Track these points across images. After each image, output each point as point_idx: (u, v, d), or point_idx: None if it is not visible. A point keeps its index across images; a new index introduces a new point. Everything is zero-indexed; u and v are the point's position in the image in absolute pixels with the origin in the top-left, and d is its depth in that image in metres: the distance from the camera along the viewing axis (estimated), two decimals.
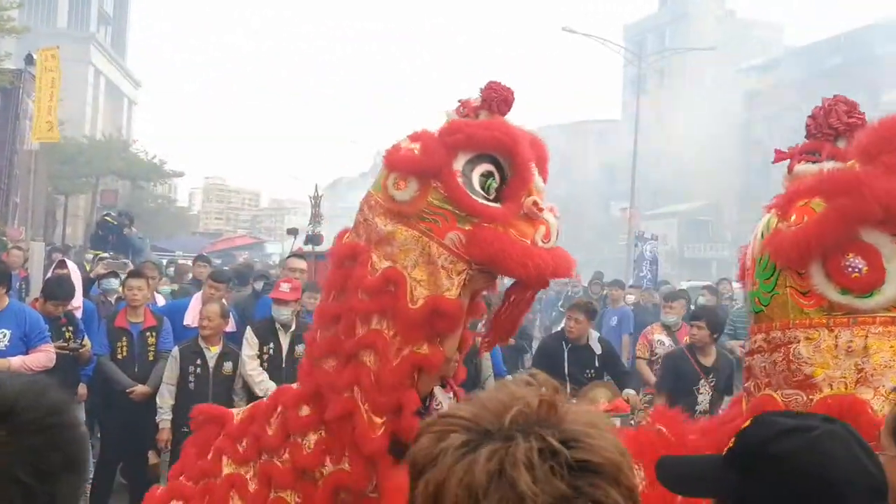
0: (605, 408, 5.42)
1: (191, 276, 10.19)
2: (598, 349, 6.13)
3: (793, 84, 38.28)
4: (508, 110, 2.98)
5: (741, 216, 42.51)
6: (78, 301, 6.48)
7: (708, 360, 5.52)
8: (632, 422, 9.00)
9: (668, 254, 41.52)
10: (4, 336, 5.12)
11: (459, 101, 3.04)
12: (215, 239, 32.94)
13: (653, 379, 6.53)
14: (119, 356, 5.83)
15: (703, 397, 5.52)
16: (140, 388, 5.74)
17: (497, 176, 2.78)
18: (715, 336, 5.64)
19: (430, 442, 0.90)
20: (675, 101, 48.91)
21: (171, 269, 13.15)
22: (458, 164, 2.72)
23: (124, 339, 5.88)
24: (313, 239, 8.06)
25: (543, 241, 2.73)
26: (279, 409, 2.94)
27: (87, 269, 12.83)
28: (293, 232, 9.06)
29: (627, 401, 5.70)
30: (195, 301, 6.62)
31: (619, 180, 48.26)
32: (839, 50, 36.98)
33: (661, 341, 7.03)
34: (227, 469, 2.97)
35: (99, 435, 6.24)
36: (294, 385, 3.06)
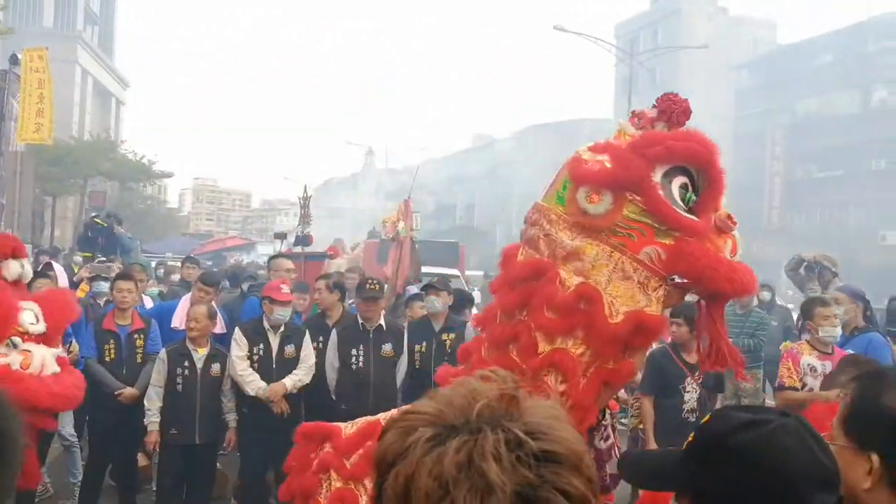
0: None
1: (179, 277, 10.10)
2: None
3: (784, 81, 38.41)
4: (688, 120, 2.90)
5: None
6: None
7: (693, 358, 5.35)
8: (623, 420, 9.01)
9: None
10: None
11: (633, 112, 2.97)
12: (205, 240, 32.83)
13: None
14: (107, 359, 5.76)
15: (690, 395, 5.44)
16: (128, 391, 5.68)
17: (690, 189, 2.71)
18: (695, 332, 5.60)
19: (398, 437, 0.93)
20: None
21: (161, 271, 13.04)
22: (657, 176, 2.63)
23: (112, 341, 5.80)
24: (302, 240, 7.99)
25: (731, 256, 2.67)
26: None
27: (75, 271, 12.72)
28: (280, 236, 9.01)
29: (617, 399, 5.68)
30: (183, 303, 6.54)
31: None
32: (830, 48, 37.13)
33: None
34: (335, 484, 2.96)
35: (87, 437, 6.16)
36: None
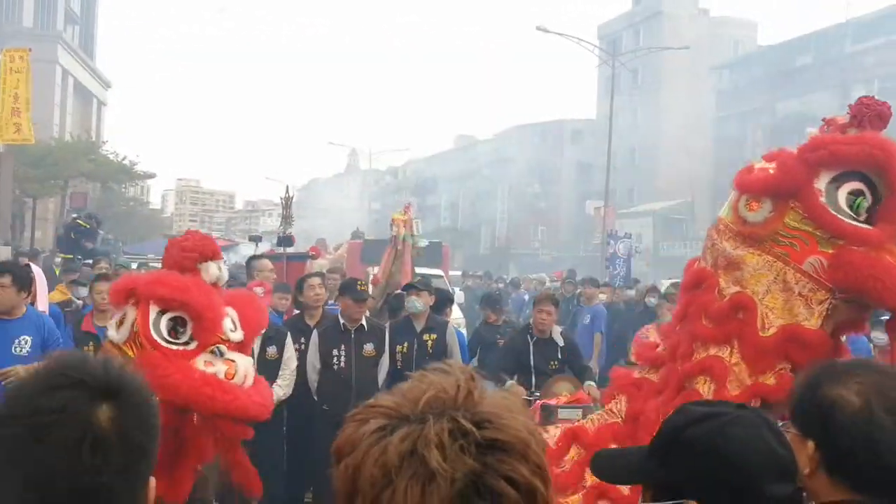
0: (568, 399, 5.71)
1: None
2: (560, 342, 6.32)
3: (764, 82, 38.71)
4: (884, 126, 2.74)
5: (715, 214, 42.91)
6: (43, 305, 6.33)
7: None
8: (595, 412, 9.08)
9: (642, 252, 41.81)
10: (27, 343, 5.03)
11: (824, 120, 2.85)
12: None
13: None
14: None
15: None
16: None
17: (869, 195, 2.56)
18: None
19: (352, 429, 0.95)
20: (650, 100, 49.30)
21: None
22: (821, 182, 2.53)
23: (91, 343, 5.74)
24: (284, 240, 7.96)
25: None
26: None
27: (56, 273, 12.62)
28: (256, 238, 8.96)
29: (588, 393, 5.93)
30: None
31: (594, 179, 48.55)
32: (810, 49, 37.45)
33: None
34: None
35: None
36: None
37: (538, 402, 5.77)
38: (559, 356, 6.26)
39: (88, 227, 15.79)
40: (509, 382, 6.09)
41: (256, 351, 5.58)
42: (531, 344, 6.24)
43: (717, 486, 1.32)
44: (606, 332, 10.44)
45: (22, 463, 1.08)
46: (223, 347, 3.13)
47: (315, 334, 5.94)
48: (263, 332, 5.59)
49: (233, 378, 3.09)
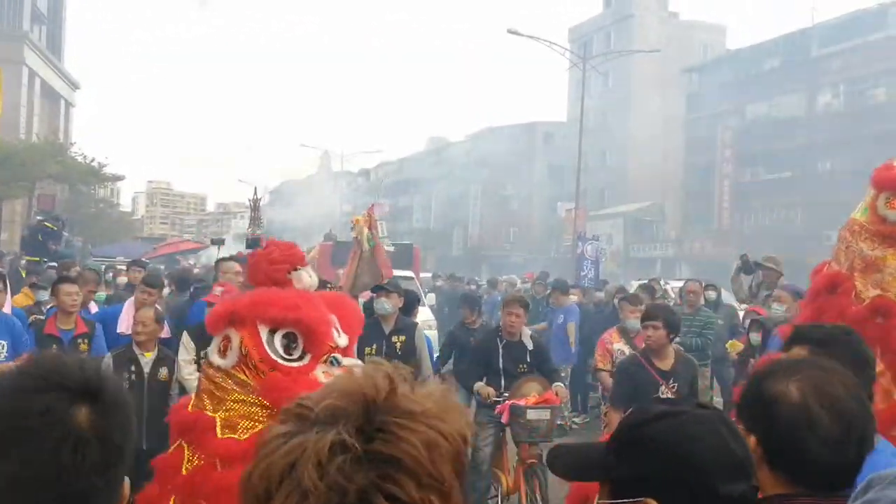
0: (536, 400, 5.76)
1: (126, 281, 9.93)
2: (529, 345, 6.23)
3: (733, 85, 39.20)
4: None
5: (684, 216, 43.44)
6: (7, 308, 6.25)
7: (666, 364, 5.11)
8: (565, 413, 9.10)
9: (613, 254, 42.10)
10: (3, 347, 4.96)
11: None
12: (158, 244, 32.30)
13: None
14: None
15: None
16: None
17: None
18: (672, 336, 5.22)
19: (267, 429, 0.92)
20: (620, 103, 49.69)
21: (110, 275, 12.84)
22: None
23: (54, 346, 5.68)
24: (253, 243, 7.90)
25: None
26: None
27: (23, 275, 12.44)
28: (218, 241, 8.86)
29: (557, 394, 5.98)
30: (128, 307, 6.43)
31: (565, 181, 48.83)
32: (777, 52, 37.99)
33: (622, 350, 6.62)
34: None
35: None
36: None
37: (507, 402, 5.79)
38: (528, 359, 6.17)
39: (55, 228, 15.58)
40: (478, 384, 6.06)
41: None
42: (500, 346, 6.16)
43: (673, 484, 1.33)
44: (583, 327, 10.53)
45: (5, 465, 1.08)
46: (338, 356, 3.07)
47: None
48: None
49: None
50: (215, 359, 3.13)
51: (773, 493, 1.59)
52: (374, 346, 6.13)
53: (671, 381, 5.09)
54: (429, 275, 21.45)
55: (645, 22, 48.17)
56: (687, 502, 1.33)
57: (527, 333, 6.33)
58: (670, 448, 1.35)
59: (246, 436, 2.92)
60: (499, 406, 5.88)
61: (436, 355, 10.83)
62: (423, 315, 10.67)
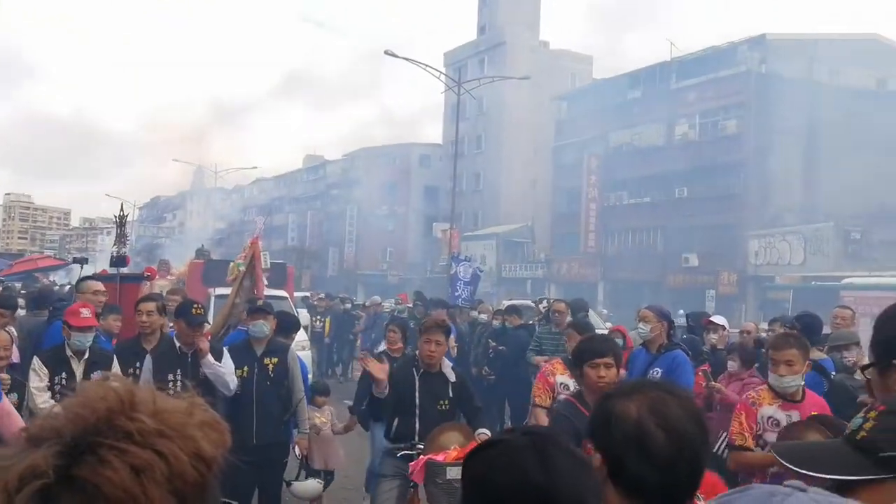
0: (458, 454, 4.61)
1: None
2: (451, 377, 5.45)
3: (599, 114, 41.00)
4: None
5: (553, 238, 44.95)
6: None
7: None
8: None
9: (487, 273, 43.03)
10: None
11: None
12: (15, 260, 30.21)
13: None
14: None
15: None
16: None
17: None
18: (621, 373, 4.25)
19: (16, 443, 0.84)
20: (494, 127, 51.00)
21: None
22: None
23: None
24: (118, 261, 7.60)
25: None
26: None
27: None
28: (81, 261, 8.41)
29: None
30: None
31: (441, 202, 49.53)
32: (639, 84, 40.00)
33: (566, 385, 5.78)
34: None
35: None
36: None
37: (423, 457, 4.79)
38: (450, 394, 5.36)
39: None
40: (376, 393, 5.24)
41: (79, 377, 5.25)
42: (417, 378, 5.32)
43: None
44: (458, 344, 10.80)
45: None
46: None
47: (148, 359, 5.72)
48: (87, 356, 5.35)
49: None
50: None
51: None
52: (245, 369, 5.94)
53: None
54: (304, 294, 21.25)
55: (516, 49, 49.76)
56: None
57: (447, 365, 5.56)
58: (474, 479, 1.41)
59: None
60: (412, 462, 4.89)
61: (310, 377, 10.63)
62: (297, 336, 10.58)
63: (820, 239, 30.58)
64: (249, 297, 7.35)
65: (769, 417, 4.32)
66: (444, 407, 5.36)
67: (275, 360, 6.06)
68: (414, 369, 5.40)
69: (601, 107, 40.98)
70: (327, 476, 6.98)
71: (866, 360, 2.02)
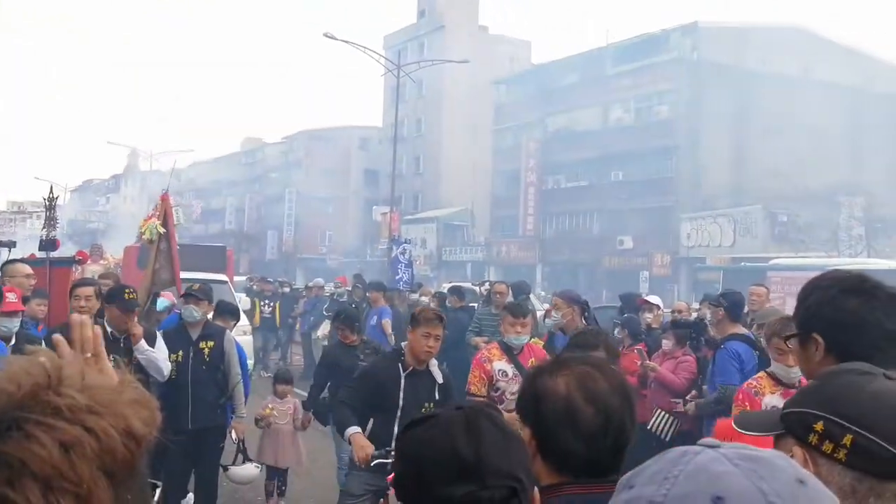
0: None
1: None
2: (438, 377, 4.80)
3: (537, 98, 41.42)
4: None
5: (492, 221, 45.36)
6: None
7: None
8: None
9: (427, 257, 43.20)
10: None
11: None
12: None
13: None
14: None
15: None
16: None
17: None
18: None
19: None
20: (433, 111, 51.04)
21: None
22: None
23: None
24: (47, 245, 7.46)
25: None
26: None
27: None
28: (8, 244, 8.19)
29: None
30: None
31: (381, 185, 49.42)
32: (576, 69, 40.50)
33: (504, 371, 5.40)
34: None
35: None
36: None
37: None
38: (436, 396, 4.76)
39: None
40: (355, 433, 4.44)
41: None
42: (402, 377, 4.67)
43: (405, 487, 1.40)
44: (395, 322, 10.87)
45: None
46: None
47: None
48: (13, 342, 5.25)
49: None
50: None
51: (545, 484, 1.67)
52: (180, 353, 5.92)
53: None
54: (243, 278, 21.03)
55: (456, 33, 49.81)
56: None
57: (434, 364, 4.87)
58: (404, 454, 1.43)
59: None
60: (390, 476, 4.04)
61: (250, 362, 10.42)
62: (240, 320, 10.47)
63: (749, 221, 31.57)
64: (168, 259, 6.96)
65: (773, 407, 4.12)
66: (428, 410, 4.52)
67: (210, 343, 6.06)
68: (400, 366, 4.71)
69: (539, 91, 41.39)
70: (280, 479, 6.74)
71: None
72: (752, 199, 32.02)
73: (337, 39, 27.45)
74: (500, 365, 5.41)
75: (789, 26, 36.75)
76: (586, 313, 6.47)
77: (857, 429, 1.19)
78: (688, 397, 6.39)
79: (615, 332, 7.56)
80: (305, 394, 7.20)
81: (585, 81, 39.30)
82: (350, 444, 4.46)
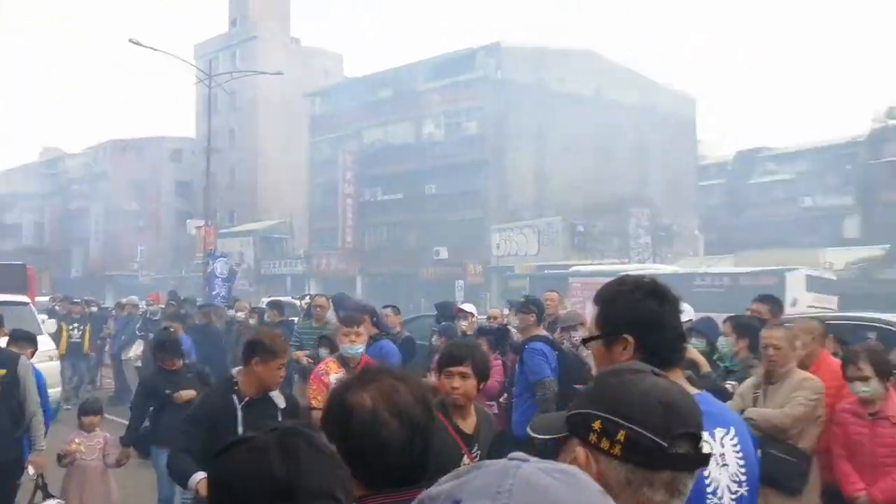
0: None
1: None
2: (280, 403, 4.27)
3: (352, 111, 42.10)
4: None
5: (311, 233, 45.47)
6: None
7: (468, 425, 3.58)
8: None
9: (245, 271, 42.63)
10: None
11: None
12: None
13: None
14: None
15: None
16: None
17: None
18: (481, 385, 3.71)
19: None
20: (247, 122, 50.44)
21: None
22: None
23: None
24: None
25: None
26: None
27: None
28: None
29: None
30: None
31: (195, 198, 48.12)
32: (390, 83, 41.58)
33: None
34: None
35: None
36: None
37: None
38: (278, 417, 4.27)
39: None
40: (197, 477, 3.90)
41: None
42: (238, 409, 4.12)
43: None
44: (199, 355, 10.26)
45: None
46: None
47: None
48: None
49: None
50: None
51: (357, 496, 1.66)
52: None
53: (475, 449, 3.53)
54: (45, 298, 19.96)
55: (268, 44, 49.61)
56: None
57: (276, 392, 4.37)
58: (217, 478, 1.36)
59: None
60: None
61: (56, 390, 9.96)
62: (44, 344, 10.04)
63: (551, 232, 33.95)
64: None
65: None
66: None
67: (2, 371, 5.64)
68: (235, 397, 4.13)
69: (354, 104, 41.99)
70: None
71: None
72: (553, 211, 34.46)
73: (143, 46, 26.66)
74: (338, 377, 5.17)
75: (582, 50, 39.83)
76: (374, 318, 6.99)
77: (630, 424, 1.26)
78: (500, 399, 7.00)
79: (433, 339, 8.13)
80: (117, 419, 6.91)
81: (399, 96, 40.40)
82: (198, 493, 3.90)
